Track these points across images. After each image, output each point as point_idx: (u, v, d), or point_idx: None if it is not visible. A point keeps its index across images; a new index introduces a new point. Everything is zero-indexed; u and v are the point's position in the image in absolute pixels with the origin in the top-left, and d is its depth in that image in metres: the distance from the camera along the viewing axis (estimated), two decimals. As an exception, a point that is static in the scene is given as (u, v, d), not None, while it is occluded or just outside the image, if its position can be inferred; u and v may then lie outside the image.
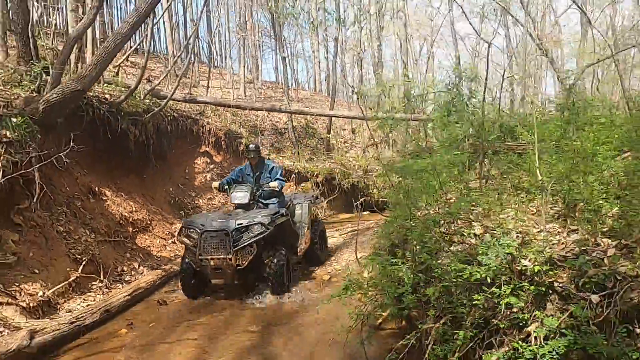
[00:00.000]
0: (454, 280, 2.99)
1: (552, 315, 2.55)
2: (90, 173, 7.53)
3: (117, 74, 11.26)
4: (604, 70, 13.59)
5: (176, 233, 6.63)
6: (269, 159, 7.33)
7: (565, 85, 6.13)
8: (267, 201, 6.36)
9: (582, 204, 2.82)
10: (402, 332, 3.41)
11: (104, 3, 13.35)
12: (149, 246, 7.69)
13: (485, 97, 5.74)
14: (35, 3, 10.64)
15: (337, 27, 15.54)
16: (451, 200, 3.99)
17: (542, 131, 4.41)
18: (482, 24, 21.56)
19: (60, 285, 5.40)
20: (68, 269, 5.72)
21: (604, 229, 2.67)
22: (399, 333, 3.50)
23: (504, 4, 13.37)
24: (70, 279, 5.61)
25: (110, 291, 5.88)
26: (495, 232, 3.18)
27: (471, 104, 5.96)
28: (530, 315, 2.62)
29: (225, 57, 26.83)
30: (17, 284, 4.97)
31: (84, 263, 5.93)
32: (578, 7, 12.87)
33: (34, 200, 5.76)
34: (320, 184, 12.06)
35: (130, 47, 14.19)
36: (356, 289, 3.47)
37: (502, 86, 6.90)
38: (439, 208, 3.89)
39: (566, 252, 2.66)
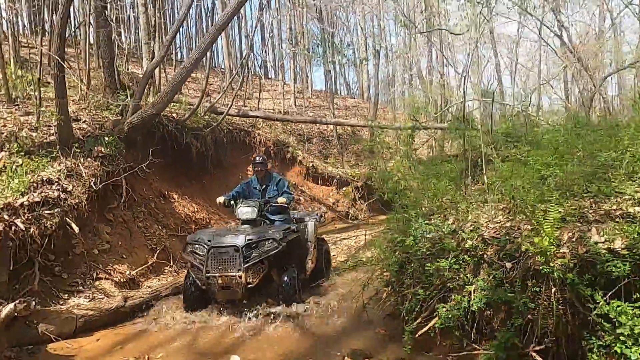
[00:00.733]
0: (426, 256, 4.15)
1: (483, 278, 3.66)
2: (161, 180, 9.22)
3: (181, 91, 13.07)
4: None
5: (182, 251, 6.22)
6: (276, 172, 7.05)
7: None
8: (273, 217, 6.19)
9: (515, 200, 3.89)
10: (391, 297, 4.58)
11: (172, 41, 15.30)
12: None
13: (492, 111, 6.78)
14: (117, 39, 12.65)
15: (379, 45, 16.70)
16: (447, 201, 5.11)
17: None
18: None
19: (141, 268, 7.00)
20: (146, 256, 7.33)
21: (526, 217, 3.73)
22: (389, 299, 4.67)
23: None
24: (148, 263, 7.21)
25: (178, 274, 7.41)
26: (459, 222, 4.30)
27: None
28: (470, 279, 3.75)
29: (277, 69, 28.67)
30: (111, 265, 6.59)
31: (158, 251, 7.53)
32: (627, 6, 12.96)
33: (121, 201, 7.45)
34: (360, 188, 13.27)
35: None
36: (360, 264, 4.70)
37: (539, 92, 7.83)
38: (429, 206, 5.03)
39: (496, 234, 3.76)
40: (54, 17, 7.59)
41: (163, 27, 15.25)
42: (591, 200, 3.41)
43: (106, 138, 7.34)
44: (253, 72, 22.64)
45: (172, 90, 7.87)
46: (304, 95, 21.87)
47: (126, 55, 12.47)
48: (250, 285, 5.13)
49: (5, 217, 5.35)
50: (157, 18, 10.93)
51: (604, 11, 19.47)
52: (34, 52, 13.42)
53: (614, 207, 3.26)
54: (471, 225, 4.07)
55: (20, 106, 7.98)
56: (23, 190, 5.72)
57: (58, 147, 6.49)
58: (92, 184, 6.65)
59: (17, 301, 4.30)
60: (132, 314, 5.56)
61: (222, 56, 22.99)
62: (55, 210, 5.90)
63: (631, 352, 2.81)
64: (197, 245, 5.37)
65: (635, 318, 2.81)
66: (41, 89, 7.69)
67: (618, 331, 2.85)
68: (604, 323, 2.94)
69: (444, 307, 3.77)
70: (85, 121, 7.77)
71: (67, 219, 6.01)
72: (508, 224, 3.85)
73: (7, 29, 11.21)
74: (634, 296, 2.91)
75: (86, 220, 6.53)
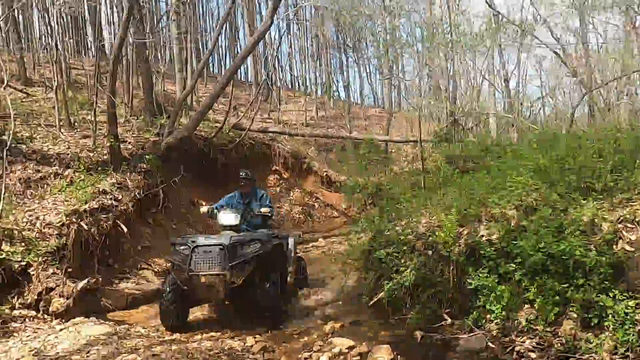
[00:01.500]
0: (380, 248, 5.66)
1: (414, 262, 5.15)
2: (191, 190, 11.02)
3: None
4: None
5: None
6: (259, 188, 7.16)
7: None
8: (254, 230, 6.15)
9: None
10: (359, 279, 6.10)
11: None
12: (231, 241, 11.01)
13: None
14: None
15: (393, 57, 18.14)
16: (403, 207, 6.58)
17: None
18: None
19: (175, 262, 8.74)
20: (179, 252, 9.09)
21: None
22: (358, 281, 6.19)
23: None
24: (181, 258, 8.95)
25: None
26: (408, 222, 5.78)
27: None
28: (406, 263, 5.24)
29: (299, 81, 30.43)
30: (151, 259, 8.37)
31: (188, 249, 9.28)
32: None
33: (159, 208, 9.24)
34: (371, 195, 14.73)
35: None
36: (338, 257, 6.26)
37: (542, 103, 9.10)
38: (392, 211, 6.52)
39: (425, 231, 5.23)
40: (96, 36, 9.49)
41: (194, 50, 17.25)
42: (486, 206, 4.85)
43: (147, 156, 9.15)
44: (277, 85, 24.46)
45: (200, 115, 9.66)
46: (326, 106, 23.50)
47: (162, 76, 14.45)
48: (234, 285, 5.10)
49: (74, 220, 7.18)
50: (188, 50, 12.79)
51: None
52: (80, 71, 15.66)
53: (497, 211, 4.70)
54: (412, 224, 5.56)
55: (78, 130, 9.93)
56: (85, 199, 7.54)
57: (111, 165, 8.33)
58: (136, 194, 8.47)
59: (89, 277, 6.08)
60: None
61: (250, 70, 25.04)
62: (109, 215, 7.71)
63: (495, 307, 4.25)
64: (181, 246, 5.33)
65: (496, 286, 4.25)
66: (88, 109, 9.59)
67: (486, 294, 4.31)
68: (481, 290, 4.39)
69: (387, 284, 5.27)
70: (130, 142, 9.64)
71: (118, 221, 7.81)
72: (432, 223, 5.33)
73: (58, 54, 13.22)
74: (500, 271, 4.34)
75: (132, 223, 8.31)
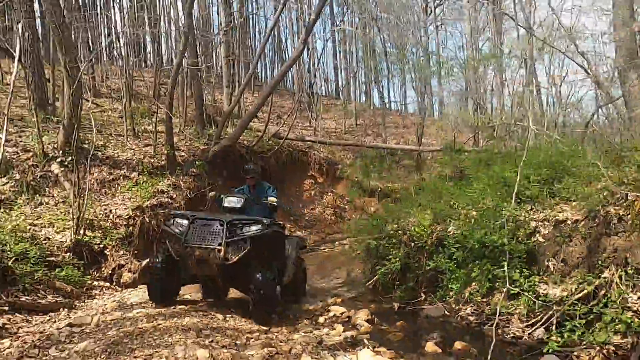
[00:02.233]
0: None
1: (400, 252, 6.53)
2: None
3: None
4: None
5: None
6: (266, 182, 7.17)
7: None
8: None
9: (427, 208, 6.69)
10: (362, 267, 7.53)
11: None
12: (267, 237, 12.67)
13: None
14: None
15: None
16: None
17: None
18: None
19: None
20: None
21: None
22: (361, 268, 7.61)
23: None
24: (223, 249, 10.69)
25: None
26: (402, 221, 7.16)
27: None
28: (395, 253, 6.63)
29: (341, 90, 31.94)
30: (198, 248, 10.11)
31: (230, 242, 11.01)
32: None
33: (206, 206, 11.01)
34: (399, 200, 16.02)
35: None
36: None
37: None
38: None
39: (410, 227, 6.60)
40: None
41: (243, 63, 19.20)
42: (452, 208, 6.18)
43: (197, 162, 10.97)
44: (318, 94, 26.08)
45: (241, 127, 11.39)
46: (367, 114, 24.92)
47: (213, 88, 16.42)
48: (227, 262, 4.99)
49: (138, 213, 9.03)
50: (234, 70, 14.65)
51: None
52: (140, 83, 17.87)
53: (464, 211, 6.02)
54: (403, 223, 6.94)
55: (141, 139, 11.90)
56: (147, 197, 9.39)
57: (167, 169, 10.19)
58: (187, 193, 10.27)
59: (150, 258, 7.87)
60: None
61: (293, 80, 26.84)
62: (166, 210, 9.52)
63: (454, 285, 5.58)
64: (179, 219, 5.34)
65: (455, 269, 5.58)
66: (148, 119, 11.50)
67: (448, 276, 5.66)
68: (446, 273, 5.74)
69: (380, 269, 6.68)
70: (183, 150, 11.51)
71: (172, 216, 9.62)
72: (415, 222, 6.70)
73: (126, 70, 15.34)
74: (457, 256, 5.66)
75: (183, 218, 10.11)
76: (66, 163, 9.17)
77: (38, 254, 6.80)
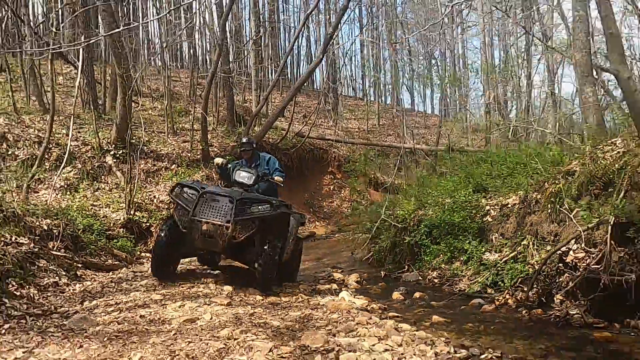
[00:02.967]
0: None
1: (390, 232, 8.05)
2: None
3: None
4: None
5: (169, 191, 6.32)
6: (264, 152, 7.23)
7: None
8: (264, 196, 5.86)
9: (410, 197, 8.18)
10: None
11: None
12: (288, 226, 14.33)
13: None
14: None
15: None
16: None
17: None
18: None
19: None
20: (247, 229, 12.55)
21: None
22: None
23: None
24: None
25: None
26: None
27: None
28: (385, 233, 8.15)
29: (369, 90, 33.41)
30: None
31: (254, 227, 12.73)
32: None
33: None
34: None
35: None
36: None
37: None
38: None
39: (397, 212, 8.11)
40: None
41: (273, 63, 20.95)
42: (431, 196, 7.66)
43: (227, 157, 12.69)
44: (343, 95, 27.62)
45: (266, 127, 13.08)
46: (391, 114, 26.34)
47: (244, 89, 18.20)
48: (234, 241, 5.08)
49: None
50: (263, 72, 16.39)
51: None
52: (177, 82, 19.82)
53: (440, 200, 7.50)
54: (396, 210, 8.45)
55: (179, 136, 13.75)
56: (185, 186, 11.16)
57: (202, 163, 11.97)
58: (218, 184, 12.01)
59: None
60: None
61: (319, 78, 28.51)
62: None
63: (429, 258, 7.06)
64: (188, 189, 5.37)
65: (429, 244, 7.06)
66: (185, 117, 13.32)
67: (424, 250, 7.15)
68: (423, 248, 7.23)
69: (375, 247, 8.22)
70: (215, 146, 13.28)
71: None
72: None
73: (166, 73, 17.25)
74: (434, 233, 7.13)
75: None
76: (118, 155, 11.04)
77: (99, 227, 8.64)
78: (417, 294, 5.84)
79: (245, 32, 20.66)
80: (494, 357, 3.47)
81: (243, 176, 5.84)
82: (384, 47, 28.84)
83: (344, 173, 17.59)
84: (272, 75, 22.83)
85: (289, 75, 30.75)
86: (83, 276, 6.88)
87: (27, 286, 5.28)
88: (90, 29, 12.01)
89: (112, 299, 4.89)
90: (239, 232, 5.14)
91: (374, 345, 3.54)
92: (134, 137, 11.83)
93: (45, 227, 7.18)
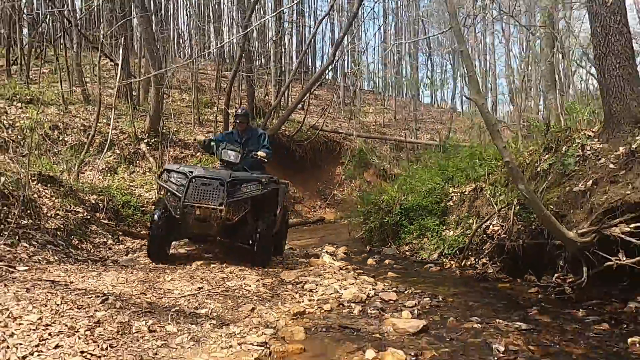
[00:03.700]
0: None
1: (375, 215, 9.60)
2: (278, 174, 16.16)
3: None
4: None
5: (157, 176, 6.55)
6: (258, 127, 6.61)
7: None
8: (251, 171, 6.08)
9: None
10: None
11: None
12: (301, 209, 15.96)
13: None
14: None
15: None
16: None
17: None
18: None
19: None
20: (262, 212, 14.26)
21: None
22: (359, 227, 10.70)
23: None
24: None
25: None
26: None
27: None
28: (375, 215, 9.71)
29: (389, 84, 34.59)
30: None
31: (268, 210, 14.42)
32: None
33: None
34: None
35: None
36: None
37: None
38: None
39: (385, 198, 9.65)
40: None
41: (292, 59, 22.51)
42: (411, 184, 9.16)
43: (246, 147, 14.40)
44: (361, 89, 28.98)
45: (281, 120, 14.71)
46: (408, 109, 27.63)
47: (265, 83, 19.87)
48: (228, 222, 5.23)
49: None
50: (280, 71, 18.02)
51: None
52: (203, 75, 21.59)
53: (420, 187, 9.00)
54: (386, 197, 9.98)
55: (204, 126, 15.51)
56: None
57: (223, 151, 13.70)
58: (237, 170, 13.74)
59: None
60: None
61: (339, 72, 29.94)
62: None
63: (406, 236, 8.59)
64: (176, 174, 5.41)
65: (406, 225, 8.59)
66: (210, 109, 15.09)
67: (403, 229, 8.69)
68: (402, 226, 8.76)
69: (365, 227, 9.77)
70: (236, 137, 14.99)
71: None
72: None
73: (193, 68, 18.99)
74: (410, 214, 8.65)
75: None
76: (150, 143, 12.85)
77: (135, 204, 10.44)
78: (387, 261, 7.40)
79: (269, 28, 22.31)
80: (414, 291, 5.03)
81: (229, 154, 5.99)
82: (407, 45, 29.96)
83: (354, 164, 19.15)
84: (292, 65, 24.46)
85: (310, 68, 32.34)
86: (124, 241, 8.68)
87: (85, 242, 7.07)
88: (127, 30, 13.78)
89: (149, 253, 6.63)
90: (232, 213, 5.31)
91: (332, 282, 5.15)
92: (164, 128, 13.65)
93: (93, 201, 9.03)
